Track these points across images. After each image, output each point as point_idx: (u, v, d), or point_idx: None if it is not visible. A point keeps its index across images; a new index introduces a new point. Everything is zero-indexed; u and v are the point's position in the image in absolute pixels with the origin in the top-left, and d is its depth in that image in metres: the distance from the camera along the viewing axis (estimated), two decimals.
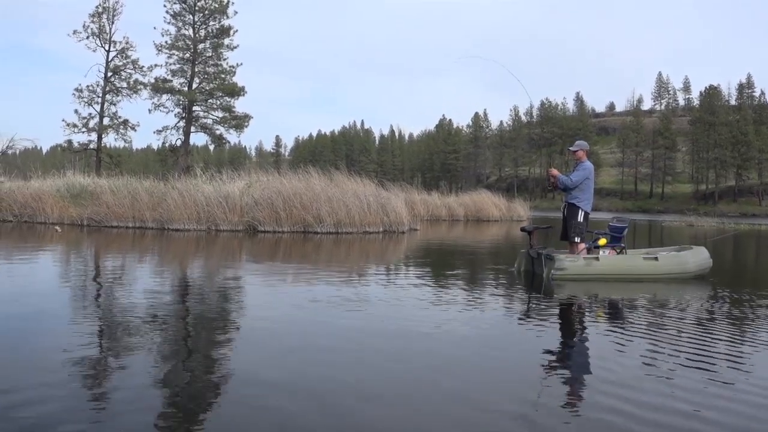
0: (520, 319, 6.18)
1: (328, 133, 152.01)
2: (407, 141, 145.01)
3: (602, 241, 9.41)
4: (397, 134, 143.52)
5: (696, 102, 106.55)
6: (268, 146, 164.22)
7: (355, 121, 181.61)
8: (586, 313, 6.75)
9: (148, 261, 10.96)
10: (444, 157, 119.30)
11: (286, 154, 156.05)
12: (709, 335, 5.43)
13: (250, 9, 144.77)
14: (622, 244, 9.61)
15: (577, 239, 9.15)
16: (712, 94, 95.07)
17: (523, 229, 10.32)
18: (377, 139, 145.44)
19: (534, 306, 7.04)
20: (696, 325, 5.91)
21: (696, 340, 5.23)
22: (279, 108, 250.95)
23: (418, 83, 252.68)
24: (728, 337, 5.40)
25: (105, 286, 7.73)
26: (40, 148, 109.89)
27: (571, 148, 9.58)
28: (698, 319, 6.22)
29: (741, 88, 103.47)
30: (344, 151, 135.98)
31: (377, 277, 9.16)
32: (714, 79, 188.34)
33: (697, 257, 9.49)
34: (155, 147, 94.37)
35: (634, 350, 4.79)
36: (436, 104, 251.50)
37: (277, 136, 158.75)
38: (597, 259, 8.98)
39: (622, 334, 5.42)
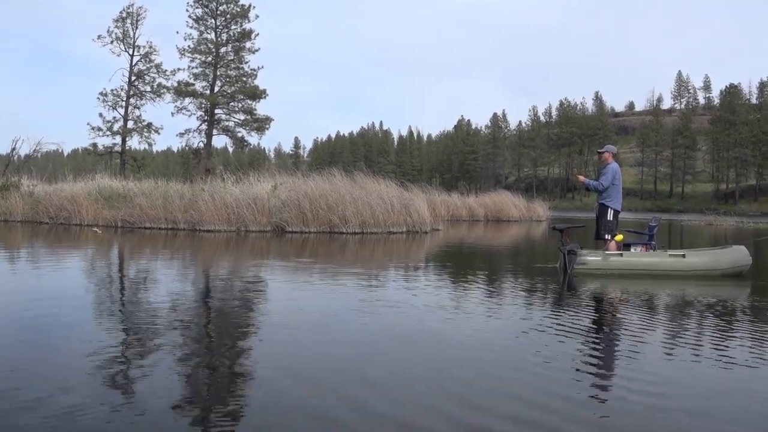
0: (549, 314, 6.47)
1: (346, 135, 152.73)
2: (425, 142, 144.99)
3: (618, 237, 9.80)
4: (415, 135, 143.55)
5: (716, 101, 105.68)
6: (287, 148, 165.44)
7: (373, 122, 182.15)
8: (606, 307, 7.04)
9: (184, 260, 11.40)
10: (462, 158, 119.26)
11: (305, 155, 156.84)
12: (727, 331, 5.73)
13: (270, 10, 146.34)
14: (653, 242, 10.15)
15: (607, 236, 9.73)
16: (732, 92, 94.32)
17: (554, 228, 10.67)
18: (396, 140, 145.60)
19: (554, 299, 7.35)
20: (715, 318, 6.21)
21: (714, 334, 5.53)
22: (297, 109, 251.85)
23: (437, 84, 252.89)
24: (748, 334, 5.70)
25: (149, 281, 8.17)
26: (62, 150, 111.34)
27: (599, 150, 10.29)
28: (717, 314, 6.51)
29: (762, 86, 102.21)
30: (363, 152, 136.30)
31: (410, 277, 9.49)
32: (734, 78, 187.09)
33: (732, 255, 9.55)
34: (175, 149, 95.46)
35: (652, 345, 5.10)
36: (455, 105, 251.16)
37: (296, 138, 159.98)
38: (621, 255, 9.40)
39: (633, 325, 5.72)
